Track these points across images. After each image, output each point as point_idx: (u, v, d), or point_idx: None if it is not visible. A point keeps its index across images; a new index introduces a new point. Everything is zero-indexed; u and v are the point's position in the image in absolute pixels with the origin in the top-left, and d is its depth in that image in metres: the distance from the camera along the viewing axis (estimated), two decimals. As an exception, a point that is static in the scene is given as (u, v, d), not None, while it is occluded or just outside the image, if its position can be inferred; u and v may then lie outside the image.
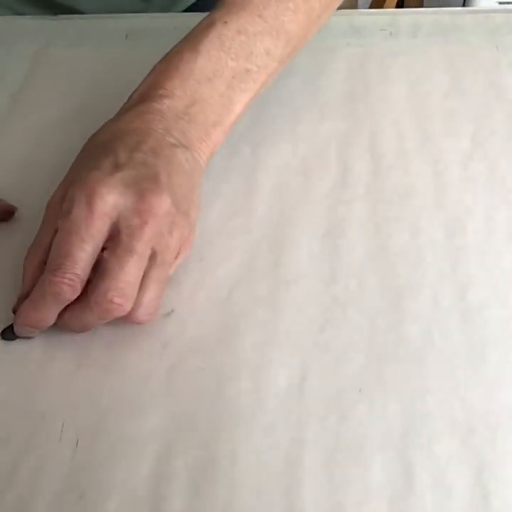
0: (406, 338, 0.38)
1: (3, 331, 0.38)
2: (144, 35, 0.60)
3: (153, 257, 0.36)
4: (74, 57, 0.58)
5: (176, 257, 0.38)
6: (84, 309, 0.36)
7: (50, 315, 0.36)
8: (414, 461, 0.33)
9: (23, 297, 0.37)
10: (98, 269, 0.36)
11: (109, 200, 0.36)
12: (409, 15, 0.61)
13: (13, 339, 0.38)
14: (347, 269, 0.41)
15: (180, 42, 0.44)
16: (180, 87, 0.41)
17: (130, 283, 0.35)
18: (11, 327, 0.38)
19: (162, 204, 0.36)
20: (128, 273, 0.35)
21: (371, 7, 1.06)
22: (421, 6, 1.27)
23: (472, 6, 1.16)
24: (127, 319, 0.37)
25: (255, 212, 0.45)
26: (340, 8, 0.62)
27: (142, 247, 0.36)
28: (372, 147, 0.49)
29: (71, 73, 0.56)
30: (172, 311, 0.39)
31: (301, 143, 0.50)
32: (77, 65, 0.57)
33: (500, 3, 1.19)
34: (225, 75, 0.43)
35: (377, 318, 0.39)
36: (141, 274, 0.36)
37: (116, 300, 0.35)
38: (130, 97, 0.43)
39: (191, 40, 0.44)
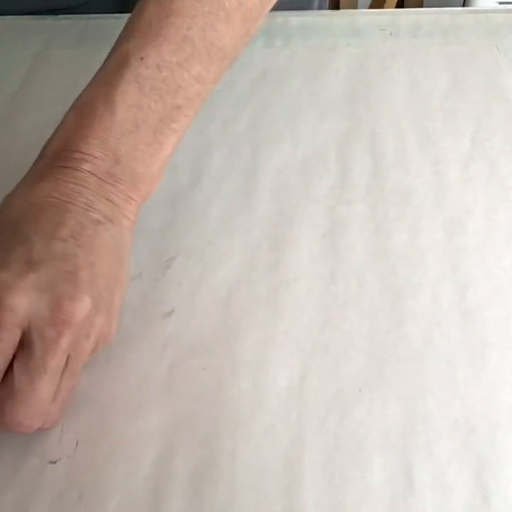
0: (406, 338, 0.38)
1: None
2: (144, 35, 0.60)
3: (66, 363, 0.32)
4: (74, 57, 0.58)
5: (92, 351, 0.35)
6: None
7: None
8: (414, 461, 0.33)
9: None
10: (6, 382, 0.31)
11: (20, 311, 0.31)
12: (409, 15, 0.61)
13: None
14: (347, 269, 0.41)
15: (92, 83, 0.39)
16: (99, 148, 0.36)
17: (42, 401, 0.32)
18: None
19: (81, 311, 0.32)
20: (41, 393, 0.31)
21: (371, 7, 1.06)
22: (421, 6, 1.27)
23: (472, 6, 1.16)
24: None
25: (255, 212, 0.45)
26: (340, 8, 0.63)
27: (57, 363, 0.31)
28: (372, 147, 0.49)
29: (71, 73, 0.56)
30: (172, 311, 0.39)
31: (301, 143, 0.50)
32: (77, 65, 0.57)
33: (500, 3, 1.20)
34: (150, 122, 0.37)
35: (377, 318, 0.39)
36: (55, 387, 0.32)
37: (26, 422, 0.32)
38: (43, 151, 0.37)
39: (104, 85, 0.37)
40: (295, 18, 0.61)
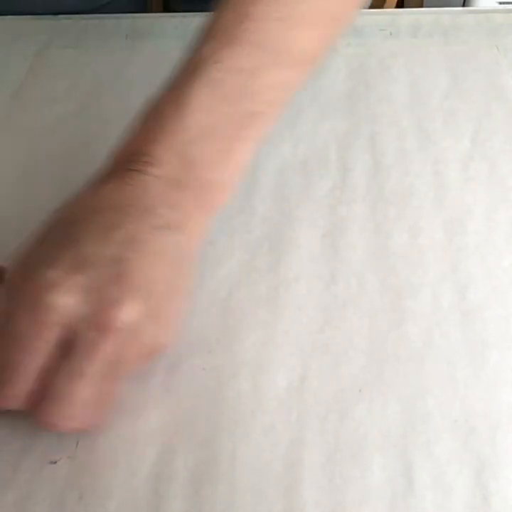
0: (406, 338, 0.38)
1: None
2: (144, 35, 0.60)
3: (108, 367, 0.32)
4: (74, 57, 0.58)
5: (142, 360, 0.34)
6: (32, 411, 0.32)
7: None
8: (414, 461, 0.33)
9: None
10: (45, 382, 0.31)
11: (63, 311, 0.30)
12: (409, 15, 0.61)
13: None
14: (347, 269, 0.41)
15: (166, 87, 0.37)
16: (167, 152, 0.35)
17: (78, 405, 0.31)
18: None
19: (126, 316, 0.30)
20: (77, 396, 0.31)
21: (371, 7, 1.06)
22: (421, 6, 1.27)
23: (472, 6, 1.16)
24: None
25: (255, 212, 0.45)
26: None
27: (96, 367, 0.31)
28: (373, 147, 0.49)
29: (71, 73, 0.56)
30: (172, 311, 0.39)
31: (301, 143, 0.50)
32: (77, 65, 0.57)
33: (501, 3, 1.20)
34: (221, 128, 0.36)
35: (377, 318, 0.39)
36: (94, 391, 0.32)
37: (62, 424, 0.32)
38: (114, 153, 0.37)
39: (176, 89, 0.36)
40: (295, 18, 0.61)
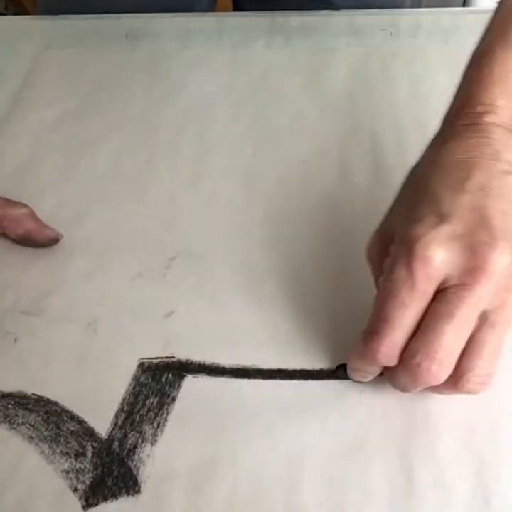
0: (406, 338, 0.38)
1: (338, 367, 0.37)
2: (144, 35, 0.60)
3: (483, 317, 0.31)
4: (74, 57, 0.58)
5: None
6: (398, 370, 0.33)
7: (371, 371, 0.35)
8: (415, 462, 0.33)
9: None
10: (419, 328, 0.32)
11: (435, 262, 0.31)
12: (409, 15, 0.61)
13: (347, 379, 0.36)
14: (348, 269, 0.41)
15: (486, 34, 0.36)
16: (501, 96, 0.35)
17: (447, 350, 0.31)
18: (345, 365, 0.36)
19: (499, 258, 0.31)
20: (445, 339, 0.31)
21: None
22: (421, 6, 1.27)
23: (472, 6, 1.16)
24: (453, 389, 0.32)
25: (255, 213, 0.45)
26: (341, 8, 0.62)
27: (466, 311, 0.31)
28: (373, 147, 0.49)
29: (71, 73, 0.56)
30: (172, 311, 0.39)
31: (301, 143, 0.50)
32: (77, 65, 0.57)
33: (501, 3, 1.19)
34: None
35: (378, 318, 0.39)
36: (464, 340, 0.32)
37: (424, 365, 0.31)
38: (448, 110, 0.37)
39: (500, 31, 0.35)
40: (295, 18, 0.61)
